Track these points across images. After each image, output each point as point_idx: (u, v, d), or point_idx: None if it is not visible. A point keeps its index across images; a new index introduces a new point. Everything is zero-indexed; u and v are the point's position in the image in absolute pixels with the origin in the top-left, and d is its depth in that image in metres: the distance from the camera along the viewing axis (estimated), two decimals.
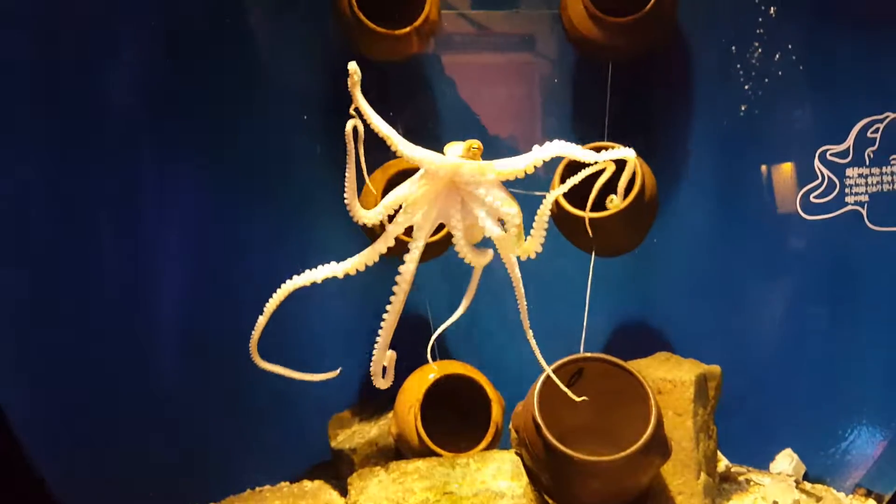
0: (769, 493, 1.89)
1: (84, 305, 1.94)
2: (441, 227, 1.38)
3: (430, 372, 1.87)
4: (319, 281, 1.31)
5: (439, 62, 2.22)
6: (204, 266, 2.13)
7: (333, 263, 1.33)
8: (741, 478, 2.02)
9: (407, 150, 1.30)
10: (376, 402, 2.17)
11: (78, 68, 1.92)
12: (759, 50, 2.11)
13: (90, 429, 1.90)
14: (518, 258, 1.34)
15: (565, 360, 1.70)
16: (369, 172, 1.92)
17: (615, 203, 1.82)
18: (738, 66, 2.12)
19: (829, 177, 2.09)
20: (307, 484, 1.93)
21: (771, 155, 2.16)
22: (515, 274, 1.34)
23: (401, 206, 1.35)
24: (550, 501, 1.69)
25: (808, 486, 2.05)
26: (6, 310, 1.82)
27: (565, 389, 1.54)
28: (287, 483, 1.98)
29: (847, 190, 2.09)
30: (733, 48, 2.13)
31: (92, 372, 1.91)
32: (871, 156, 2.08)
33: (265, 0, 2.18)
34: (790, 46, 2.10)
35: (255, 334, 1.34)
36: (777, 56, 2.10)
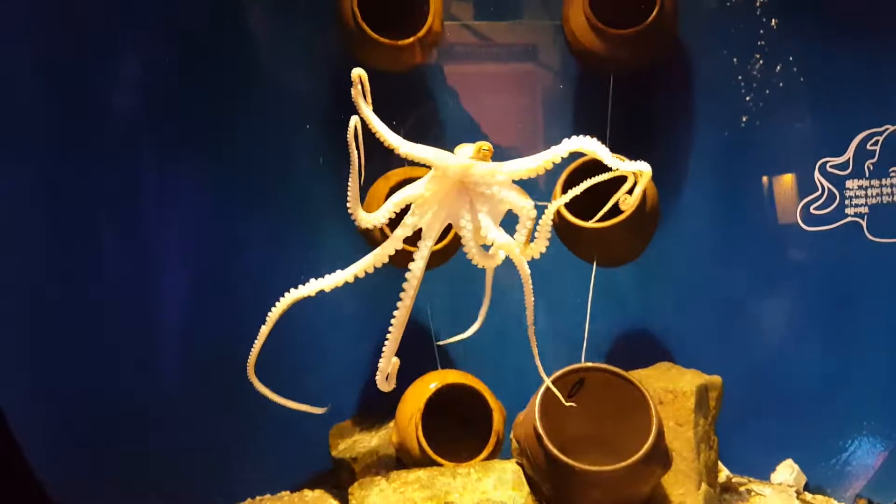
0: None
1: (84, 305, 1.94)
2: (444, 236, 1.38)
3: (432, 381, 1.86)
4: (328, 290, 1.29)
5: (442, 72, 2.23)
6: (204, 266, 2.12)
7: (340, 271, 1.31)
8: (742, 488, 2.01)
9: (415, 150, 1.29)
10: (377, 412, 2.17)
11: (78, 68, 1.92)
12: (761, 61, 2.12)
13: (90, 429, 1.90)
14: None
15: (567, 369, 1.70)
16: (372, 180, 1.94)
17: (629, 203, 1.80)
18: (740, 77, 2.14)
19: (829, 188, 2.10)
20: (308, 493, 1.93)
21: (771, 166, 2.17)
22: (525, 270, 1.31)
23: (406, 211, 1.34)
24: None
25: (808, 496, 2.05)
26: (6, 310, 1.83)
27: (559, 396, 1.55)
28: (288, 492, 1.97)
29: (847, 202, 2.10)
30: (734, 59, 2.14)
31: (92, 372, 1.91)
32: (871, 168, 2.09)
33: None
34: (791, 58, 2.11)
35: (254, 352, 1.31)
36: (778, 68, 2.12)
